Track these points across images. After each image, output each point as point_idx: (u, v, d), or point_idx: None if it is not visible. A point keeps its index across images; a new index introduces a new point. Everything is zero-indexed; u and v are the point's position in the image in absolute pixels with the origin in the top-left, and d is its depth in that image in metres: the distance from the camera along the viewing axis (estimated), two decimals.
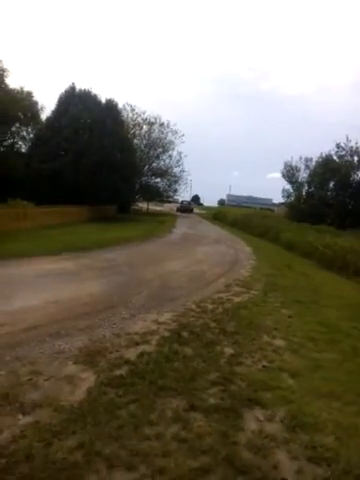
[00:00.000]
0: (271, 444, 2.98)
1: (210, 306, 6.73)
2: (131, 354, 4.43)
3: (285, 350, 4.96)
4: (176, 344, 4.83)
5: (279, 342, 5.23)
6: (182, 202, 53.63)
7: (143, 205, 43.79)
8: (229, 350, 4.79)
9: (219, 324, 5.77)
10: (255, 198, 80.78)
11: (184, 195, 53.16)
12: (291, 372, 4.26)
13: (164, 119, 39.24)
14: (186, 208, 50.46)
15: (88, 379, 3.77)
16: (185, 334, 5.24)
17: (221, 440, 2.95)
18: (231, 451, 2.82)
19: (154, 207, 47.58)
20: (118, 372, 3.94)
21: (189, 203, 56.24)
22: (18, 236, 13.63)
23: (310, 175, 33.16)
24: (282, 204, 45.35)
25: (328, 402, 3.65)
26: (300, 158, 34.11)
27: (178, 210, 49.17)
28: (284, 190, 35.60)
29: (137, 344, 4.76)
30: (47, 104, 28.94)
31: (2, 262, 9.04)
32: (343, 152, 30.49)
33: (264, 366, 4.41)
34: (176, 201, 55.04)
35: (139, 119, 38.12)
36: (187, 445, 2.87)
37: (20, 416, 3.07)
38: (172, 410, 3.32)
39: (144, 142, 38.95)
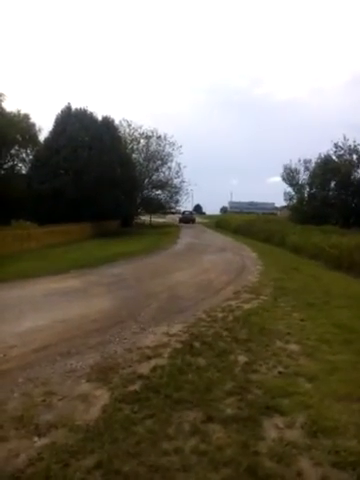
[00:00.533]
0: (293, 451, 2.90)
1: (220, 315, 6.67)
2: (144, 368, 4.38)
3: (300, 354, 4.88)
4: (189, 355, 4.77)
5: (293, 347, 5.16)
6: (184, 212, 53.27)
7: (146, 218, 43.92)
8: (243, 358, 4.72)
9: (231, 332, 5.70)
10: (257, 203, 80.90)
11: (186, 205, 53.21)
12: (308, 376, 4.18)
13: (160, 132, 39.68)
14: (188, 218, 49.92)
15: (102, 396, 3.72)
16: (197, 345, 5.18)
17: (242, 451, 2.87)
18: (253, 461, 2.74)
19: (157, 219, 47.68)
20: (132, 388, 3.88)
21: (191, 213, 55.84)
22: (23, 257, 13.67)
23: (310, 176, 33.16)
24: (285, 207, 45.38)
25: (347, 404, 3.57)
26: (299, 160, 34.18)
27: (181, 221, 48.72)
28: (285, 193, 35.63)
29: (149, 358, 4.71)
30: (44, 125, 29.33)
31: (9, 283, 9.05)
32: (342, 151, 30.54)
33: (280, 372, 4.34)
34: (178, 212, 54.95)
35: (136, 134, 38.59)
36: (207, 458, 2.80)
37: (36, 438, 3.02)
38: (189, 423, 3.26)
39: (143, 156, 39.28)
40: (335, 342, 5.30)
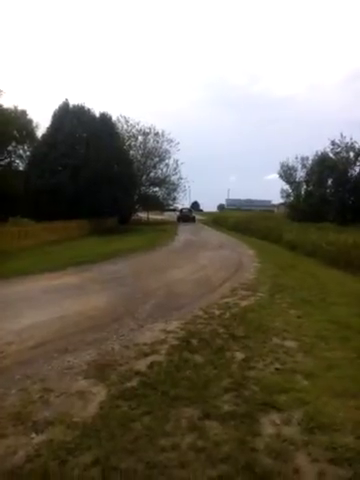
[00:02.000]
0: (290, 448, 2.91)
1: (217, 312, 6.67)
2: (141, 365, 4.38)
3: (297, 351, 4.89)
4: (186, 352, 4.78)
5: (290, 343, 5.17)
6: (181, 210, 49.12)
7: (143, 215, 43.84)
8: (240, 355, 4.73)
9: (228, 329, 5.71)
10: (254, 201, 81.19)
11: (184, 202, 52.01)
12: (305, 373, 4.19)
13: (158, 128, 39.58)
14: (187, 217, 45.18)
15: (99, 393, 3.72)
16: (194, 342, 5.18)
17: (239, 447, 2.89)
18: (250, 458, 2.76)
19: (155, 216, 47.48)
20: (129, 384, 3.89)
21: (190, 210, 50.92)
22: (21, 254, 13.65)
23: (307, 174, 33.20)
24: (282, 205, 45.39)
25: (344, 401, 3.59)
26: (296, 157, 34.24)
27: (179, 219, 44.71)
28: (282, 190, 35.69)
29: (146, 355, 4.71)
30: (42, 121, 29.12)
31: (7, 281, 9.05)
32: (338, 149, 30.54)
33: (277, 369, 4.35)
34: (176, 209, 53.23)
35: (134, 130, 38.56)
36: (205, 454, 2.81)
37: (33, 435, 3.03)
38: (187, 419, 3.26)
39: (140, 152, 39.26)
40: (332, 339, 5.31)
